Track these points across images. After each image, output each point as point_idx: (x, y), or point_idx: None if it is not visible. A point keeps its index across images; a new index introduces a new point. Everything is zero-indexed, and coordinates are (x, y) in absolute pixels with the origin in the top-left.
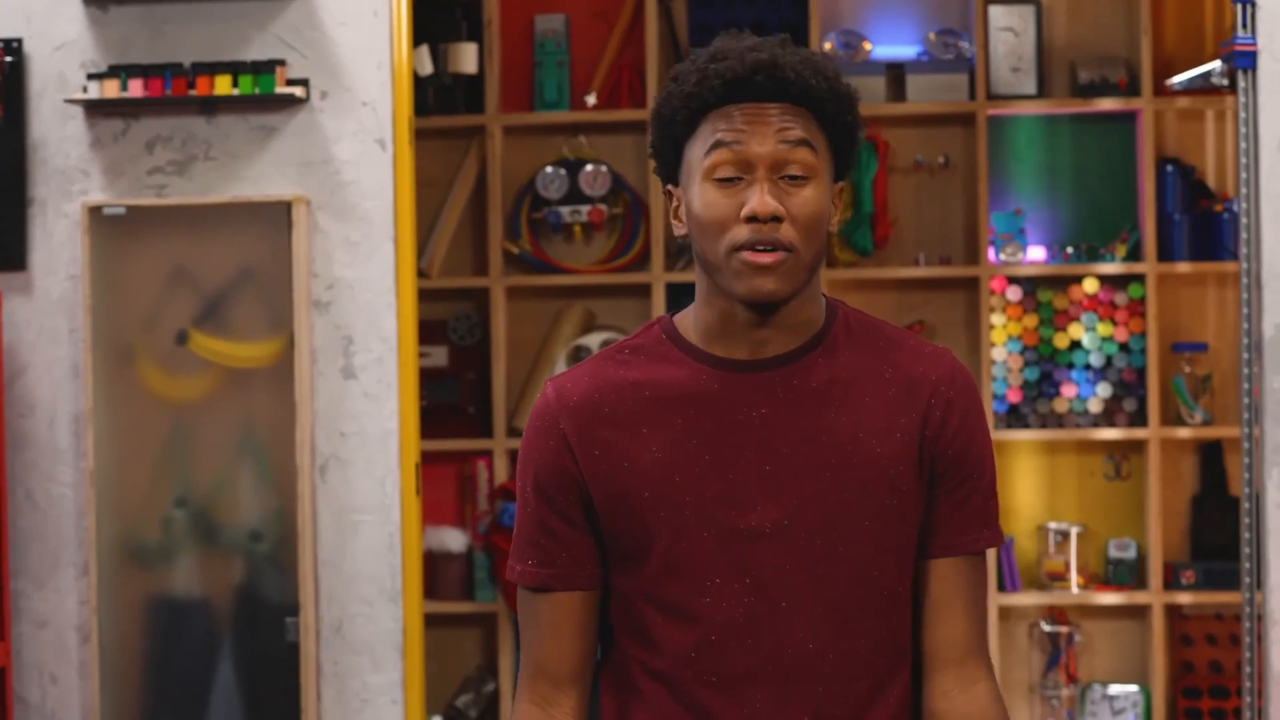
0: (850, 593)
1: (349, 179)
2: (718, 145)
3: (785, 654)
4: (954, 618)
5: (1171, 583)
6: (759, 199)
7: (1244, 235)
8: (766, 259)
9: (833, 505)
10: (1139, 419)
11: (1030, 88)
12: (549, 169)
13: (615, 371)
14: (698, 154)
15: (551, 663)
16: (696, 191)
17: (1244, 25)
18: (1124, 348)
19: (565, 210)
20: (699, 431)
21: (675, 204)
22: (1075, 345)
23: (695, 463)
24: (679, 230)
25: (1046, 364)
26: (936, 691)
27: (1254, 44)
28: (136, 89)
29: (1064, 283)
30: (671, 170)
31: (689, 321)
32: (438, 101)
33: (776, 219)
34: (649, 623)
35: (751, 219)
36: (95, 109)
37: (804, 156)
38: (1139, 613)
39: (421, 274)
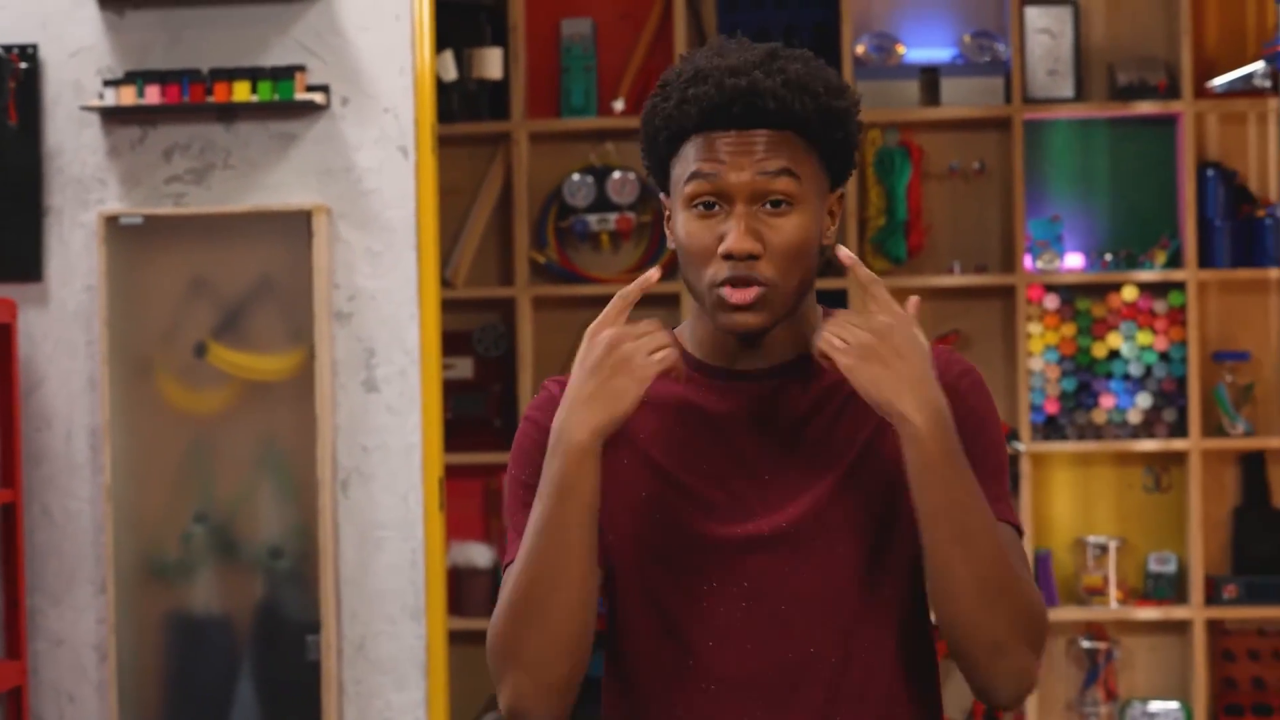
0: (852, 598)
1: (371, 187)
2: (696, 175)
3: (787, 660)
4: None
5: (1213, 597)
6: (735, 237)
7: None
8: (743, 296)
9: (831, 511)
10: (1179, 429)
11: (1067, 91)
12: (576, 176)
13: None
14: (679, 177)
15: None
16: (679, 217)
17: None
18: (1164, 357)
19: (593, 218)
20: (697, 440)
21: (667, 214)
22: (1114, 355)
23: (693, 471)
24: (671, 242)
25: (1085, 374)
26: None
27: None
28: (154, 96)
29: (1102, 291)
30: (662, 180)
31: (687, 333)
32: (462, 108)
33: (753, 256)
34: (647, 630)
35: (728, 256)
36: (112, 116)
37: (785, 185)
38: (1179, 628)
39: (446, 284)
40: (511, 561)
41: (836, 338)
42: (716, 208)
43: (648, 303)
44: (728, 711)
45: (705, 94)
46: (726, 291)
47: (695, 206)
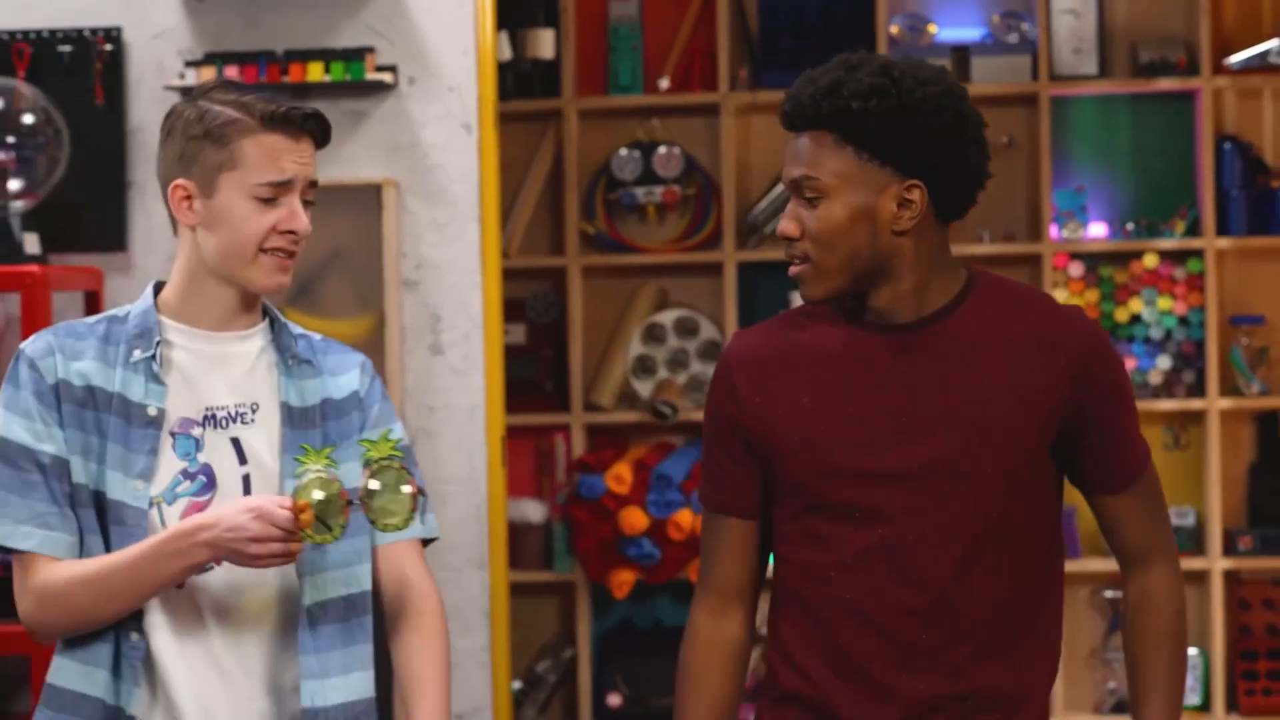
0: (975, 529)
1: (436, 162)
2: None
3: (911, 581)
4: (1127, 533)
5: (1230, 549)
6: (781, 221)
7: None
8: (792, 271)
9: (958, 452)
10: (1198, 390)
11: (1091, 68)
12: (624, 151)
13: (786, 330)
14: None
15: (720, 580)
16: None
17: None
18: (1183, 321)
19: (639, 191)
20: (846, 384)
21: None
22: (1136, 319)
23: (840, 412)
24: None
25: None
26: (1126, 577)
27: None
28: (232, 76)
29: (1125, 258)
30: None
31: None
32: (516, 86)
33: (790, 239)
34: (797, 550)
35: (779, 235)
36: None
37: (813, 183)
38: (1198, 578)
39: (501, 254)
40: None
41: None
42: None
43: (698, 272)
44: (856, 624)
45: (783, 103)
46: (790, 268)
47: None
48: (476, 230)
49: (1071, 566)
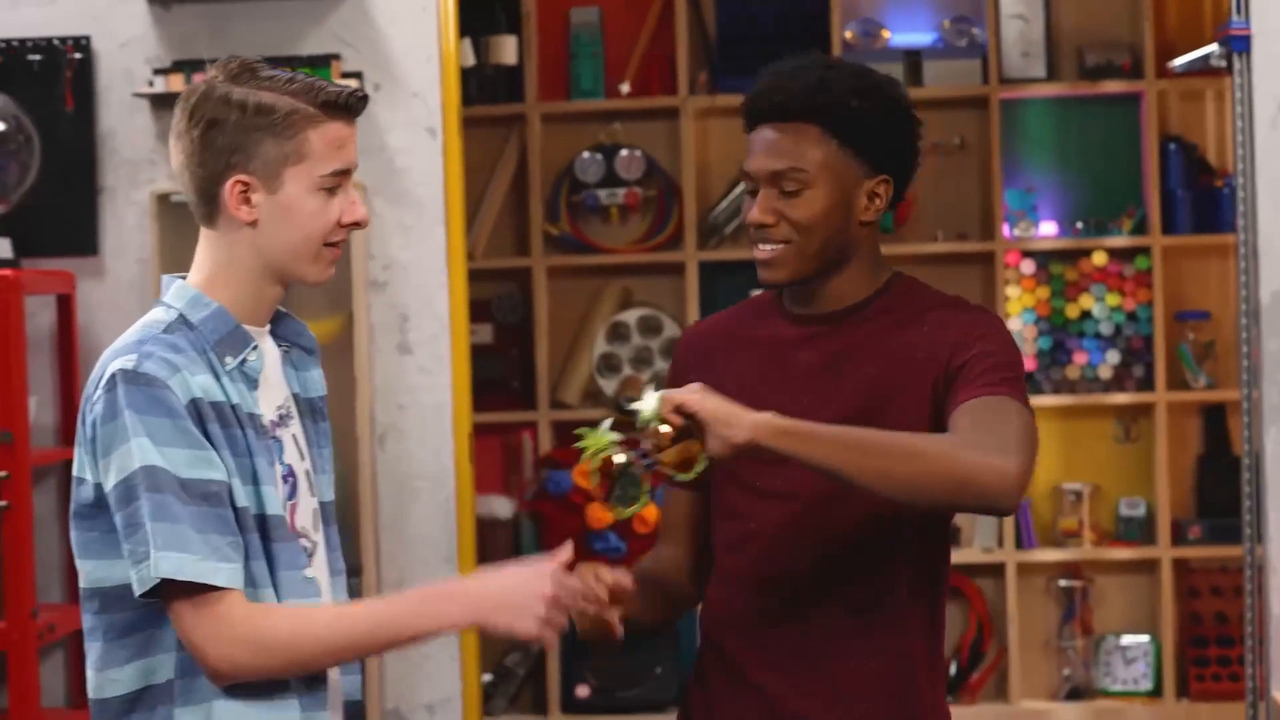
0: (855, 505)
1: (402, 166)
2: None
3: (806, 554)
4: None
5: (1179, 538)
6: (753, 211)
7: (1241, 208)
8: (764, 254)
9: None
10: (1146, 384)
11: (1040, 72)
12: (586, 154)
13: (735, 318)
14: None
15: (662, 535)
16: None
17: (1239, 10)
18: (1131, 317)
19: (602, 193)
20: (763, 371)
21: None
22: (1086, 315)
23: (752, 396)
24: None
25: (1059, 333)
26: None
27: (1248, 28)
28: None
29: (1074, 256)
30: None
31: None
32: (480, 92)
33: (765, 225)
34: (715, 521)
35: (753, 225)
36: (161, 102)
37: (799, 175)
38: (1148, 567)
39: (467, 255)
40: None
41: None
42: (756, 190)
43: (660, 271)
44: (761, 596)
45: (750, 95)
46: (755, 252)
47: (747, 191)
48: (442, 232)
49: (1025, 557)
